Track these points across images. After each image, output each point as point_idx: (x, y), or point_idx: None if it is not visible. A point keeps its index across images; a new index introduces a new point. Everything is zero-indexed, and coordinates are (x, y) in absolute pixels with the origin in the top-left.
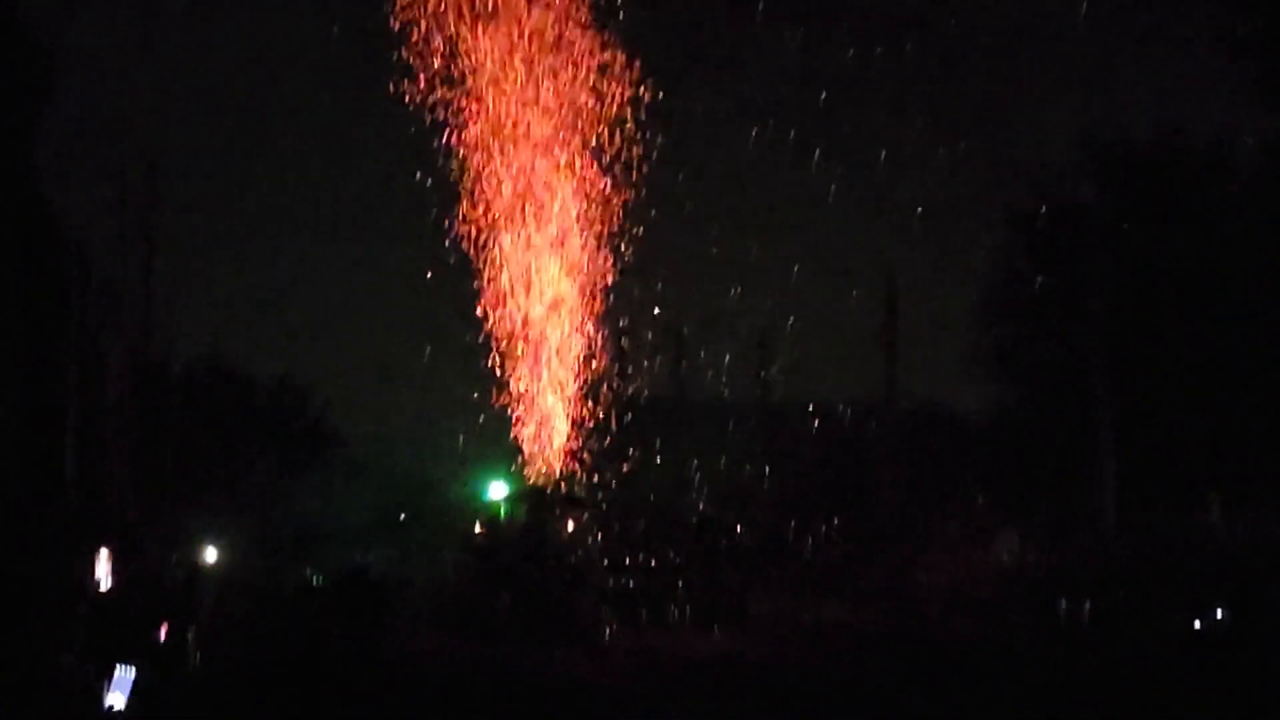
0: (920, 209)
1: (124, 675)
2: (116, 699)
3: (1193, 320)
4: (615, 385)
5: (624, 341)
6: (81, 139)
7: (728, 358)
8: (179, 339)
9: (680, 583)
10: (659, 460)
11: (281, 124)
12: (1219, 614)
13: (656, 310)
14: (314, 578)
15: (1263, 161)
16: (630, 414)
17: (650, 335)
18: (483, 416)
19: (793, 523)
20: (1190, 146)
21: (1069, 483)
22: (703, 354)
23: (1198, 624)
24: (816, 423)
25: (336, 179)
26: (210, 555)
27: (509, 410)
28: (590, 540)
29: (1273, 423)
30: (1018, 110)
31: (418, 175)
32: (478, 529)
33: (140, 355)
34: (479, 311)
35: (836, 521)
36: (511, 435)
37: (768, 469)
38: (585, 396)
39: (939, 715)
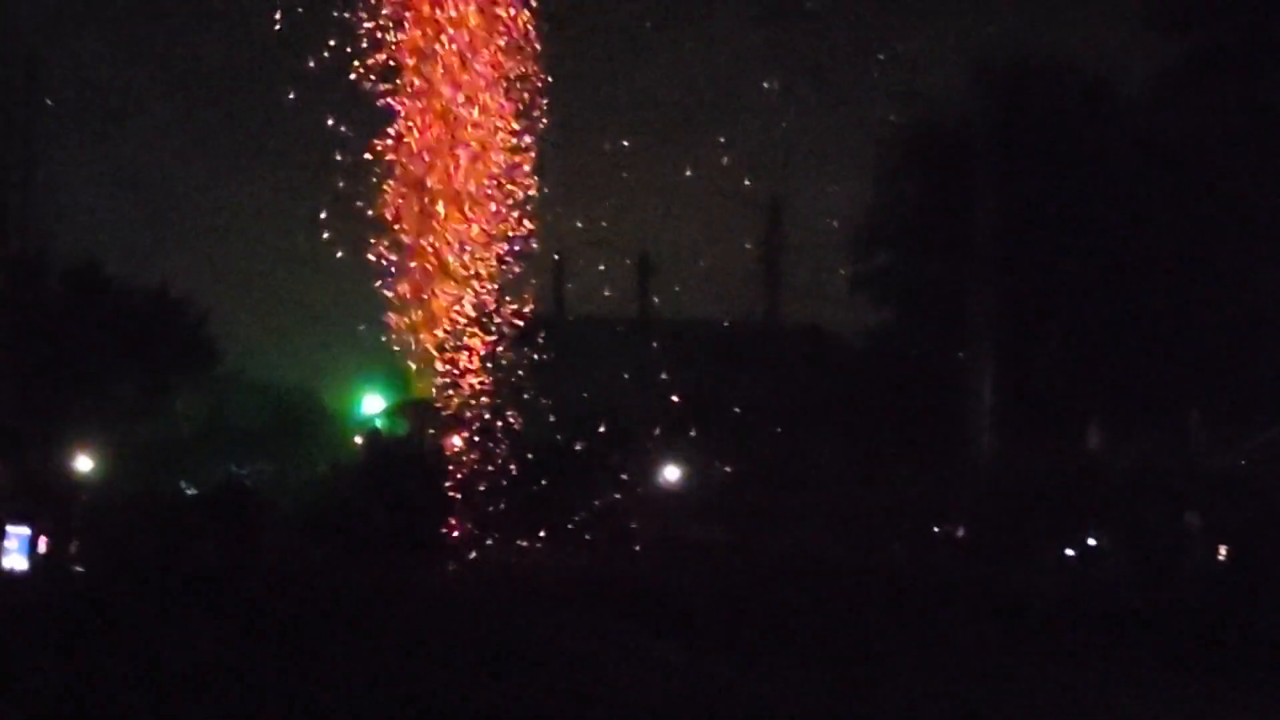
0: (807, 130)
1: (17, 533)
2: (16, 560)
3: (1073, 247)
4: (499, 301)
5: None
6: None
7: (608, 278)
8: (56, 242)
9: (555, 503)
10: (537, 380)
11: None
12: (1091, 541)
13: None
14: (187, 488)
15: (1148, 87)
16: (516, 331)
17: (533, 248)
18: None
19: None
20: (1081, 71)
21: (946, 409)
22: (582, 273)
23: (1070, 551)
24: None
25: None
26: (84, 464)
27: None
28: (468, 458)
29: (1150, 351)
30: (905, 31)
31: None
32: (358, 441)
33: (16, 257)
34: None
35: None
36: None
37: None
38: (476, 316)
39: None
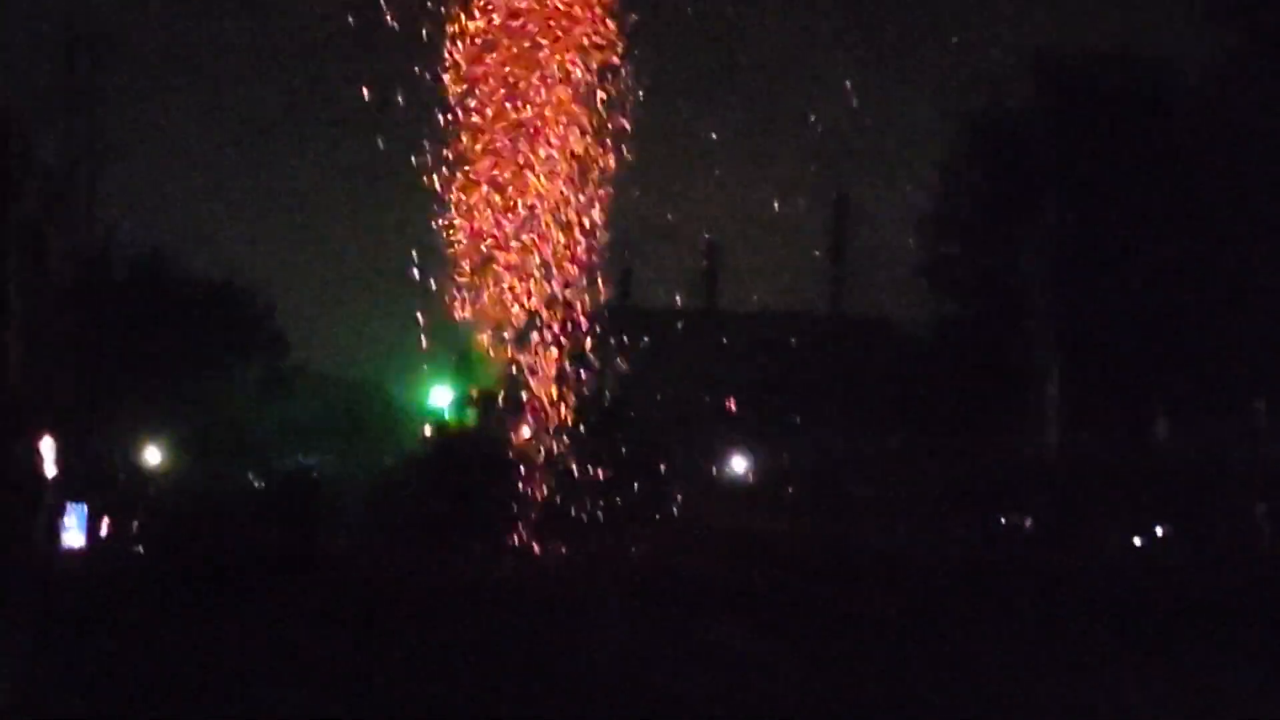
0: (871, 121)
1: (77, 511)
2: (74, 537)
3: (1138, 236)
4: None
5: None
6: (26, 27)
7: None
8: (121, 234)
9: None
10: (607, 371)
11: (235, 17)
12: (1159, 531)
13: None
14: (254, 480)
15: (1212, 77)
16: (586, 321)
17: (605, 241)
18: (423, 336)
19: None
20: (1140, 60)
21: (1011, 399)
22: (649, 262)
23: (1137, 541)
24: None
25: (287, 71)
26: (152, 455)
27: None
28: (538, 450)
29: (1220, 341)
30: (969, 21)
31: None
32: (427, 431)
33: (82, 247)
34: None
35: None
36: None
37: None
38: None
39: (864, 624)
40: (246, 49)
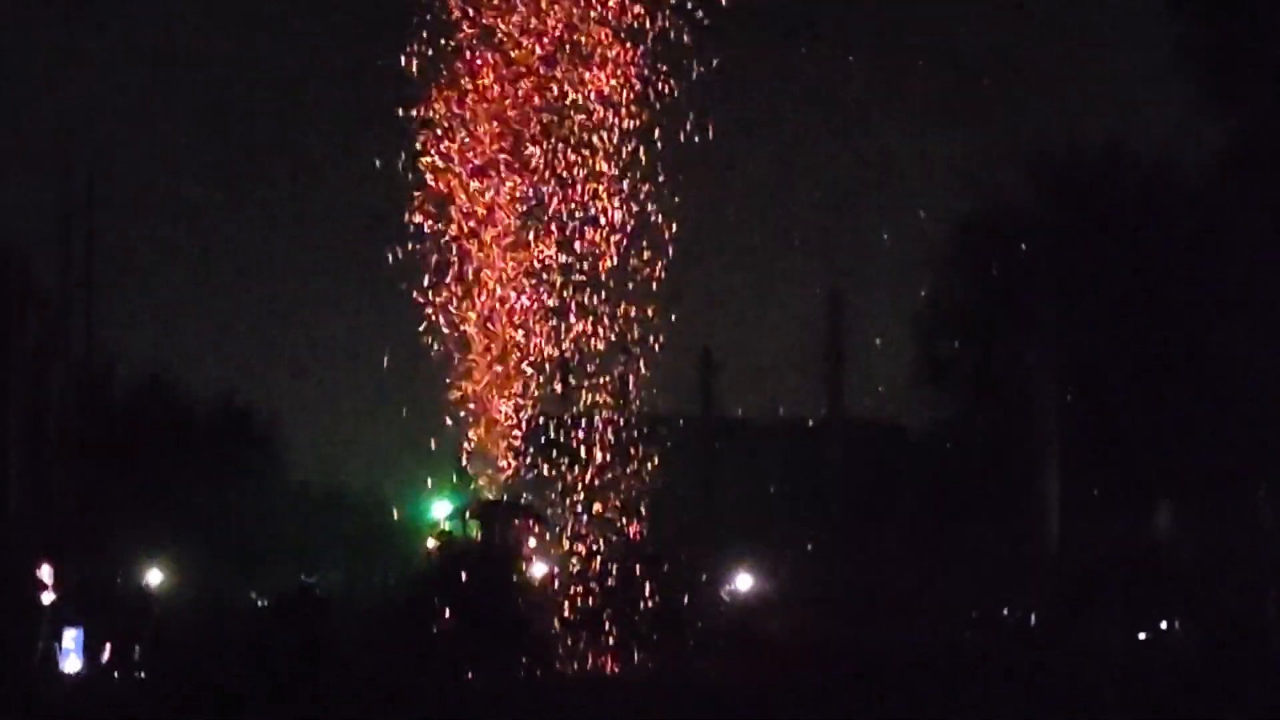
0: (867, 218)
1: (74, 636)
2: (72, 663)
3: (1137, 330)
4: (569, 397)
5: (572, 354)
6: (20, 156)
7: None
8: (121, 355)
9: (633, 607)
10: (609, 475)
11: (227, 137)
12: (1164, 625)
13: (604, 325)
14: (258, 600)
15: (1208, 171)
16: (583, 426)
17: (601, 347)
18: (432, 440)
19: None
20: (1137, 157)
21: (1014, 494)
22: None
23: (1142, 635)
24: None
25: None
26: (155, 575)
27: (459, 412)
28: (545, 560)
29: (1221, 429)
30: (963, 121)
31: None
32: (431, 544)
33: (82, 372)
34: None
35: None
36: (460, 439)
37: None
38: (539, 411)
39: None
40: (239, 166)
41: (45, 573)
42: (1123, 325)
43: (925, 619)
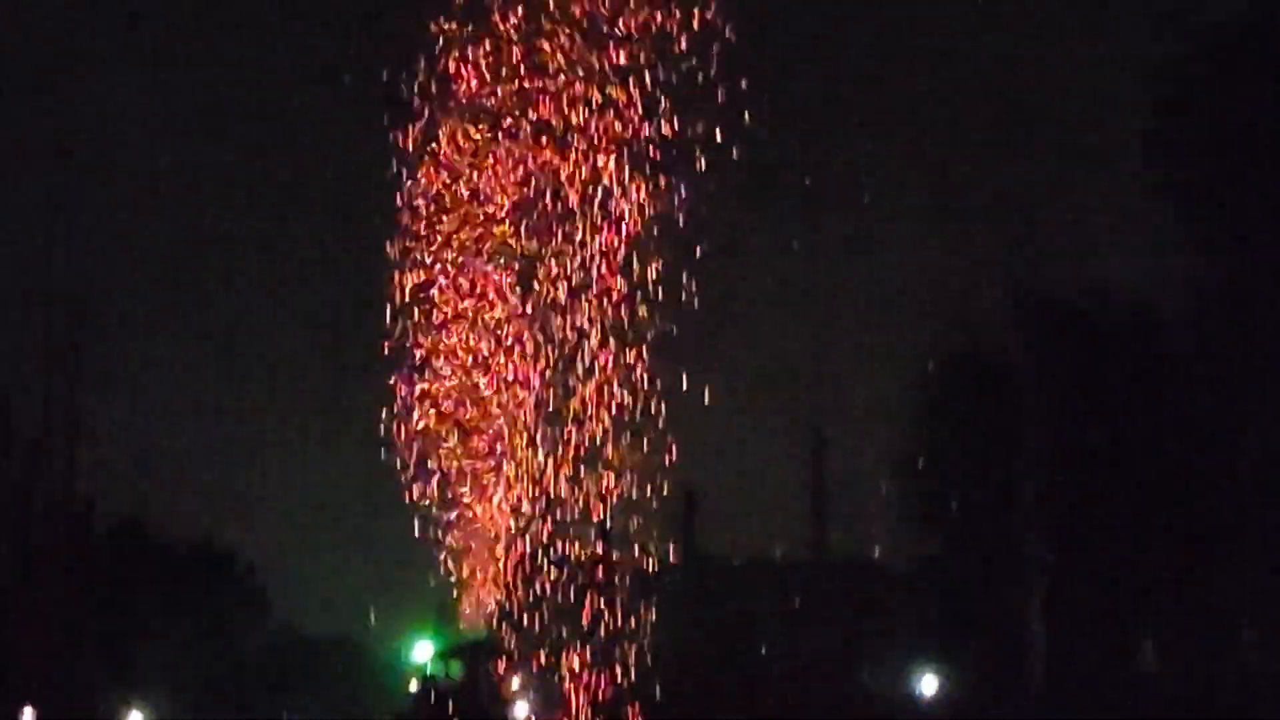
0: (846, 358)
1: None
2: None
3: (1119, 469)
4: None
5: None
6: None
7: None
8: (101, 494)
9: None
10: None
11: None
12: None
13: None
14: None
15: (1188, 311)
16: (563, 572)
17: (578, 494)
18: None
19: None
20: (1116, 297)
21: (997, 633)
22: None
23: None
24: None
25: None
26: (135, 718)
27: (441, 554)
28: (528, 701)
29: (1202, 568)
30: (945, 259)
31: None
32: (413, 686)
33: (63, 517)
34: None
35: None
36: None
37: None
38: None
39: None
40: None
41: (27, 716)
42: (1104, 465)
43: None
